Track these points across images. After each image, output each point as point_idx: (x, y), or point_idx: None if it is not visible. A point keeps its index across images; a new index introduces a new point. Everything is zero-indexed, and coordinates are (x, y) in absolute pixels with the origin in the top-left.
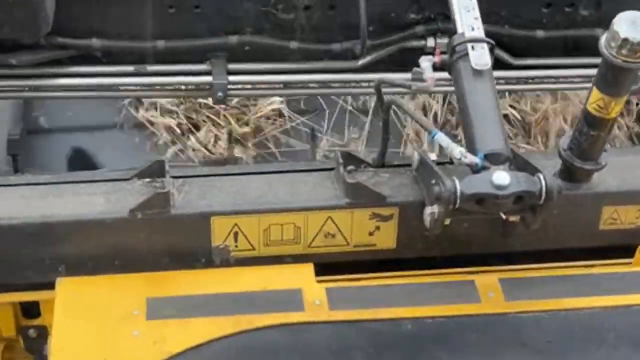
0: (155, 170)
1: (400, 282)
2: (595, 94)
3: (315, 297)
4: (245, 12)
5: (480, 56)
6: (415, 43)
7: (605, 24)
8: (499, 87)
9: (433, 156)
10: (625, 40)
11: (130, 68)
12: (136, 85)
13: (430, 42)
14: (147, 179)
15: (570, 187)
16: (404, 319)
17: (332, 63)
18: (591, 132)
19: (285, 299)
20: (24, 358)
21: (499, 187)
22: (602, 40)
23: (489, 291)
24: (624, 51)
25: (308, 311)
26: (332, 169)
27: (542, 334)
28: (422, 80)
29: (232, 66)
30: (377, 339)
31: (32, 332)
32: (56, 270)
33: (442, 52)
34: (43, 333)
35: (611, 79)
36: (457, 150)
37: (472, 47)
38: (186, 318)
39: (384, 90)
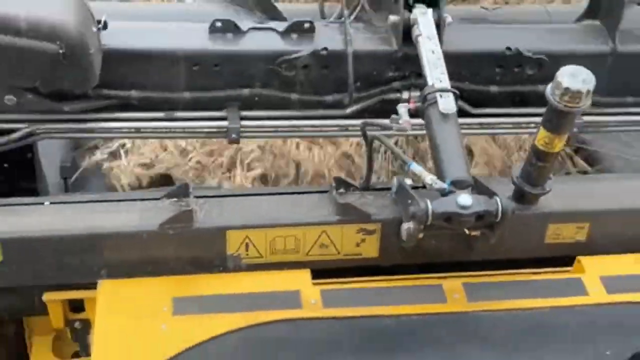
0: (182, 192)
1: (382, 286)
2: (542, 132)
3: (312, 297)
4: (255, 70)
5: (447, 103)
6: (392, 95)
7: (547, 80)
8: (461, 131)
9: (409, 181)
10: (567, 89)
11: (161, 114)
12: (165, 128)
13: (405, 94)
14: (175, 199)
15: (521, 208)
16: (384, 315)
17: (325, 111)
18: (539, 164)
19: (287, 299)
20: (70, 346)
21: (463, 208)
22: (548, 89)
23: (454, 293)
24: (565, 98)
25: (305, 309)
26: (326, 192)
27: (498, 330)
28: (399, 123)
29: (245, 113)
30: (363, 332)
31: (77, 325)
32: (99, 274)
33: (415, 102)
34: (87, 325)
35: (555, 120)
36: (429, 178)
37: (440, 96)
38: (205, 314)
39: (368, 132)
